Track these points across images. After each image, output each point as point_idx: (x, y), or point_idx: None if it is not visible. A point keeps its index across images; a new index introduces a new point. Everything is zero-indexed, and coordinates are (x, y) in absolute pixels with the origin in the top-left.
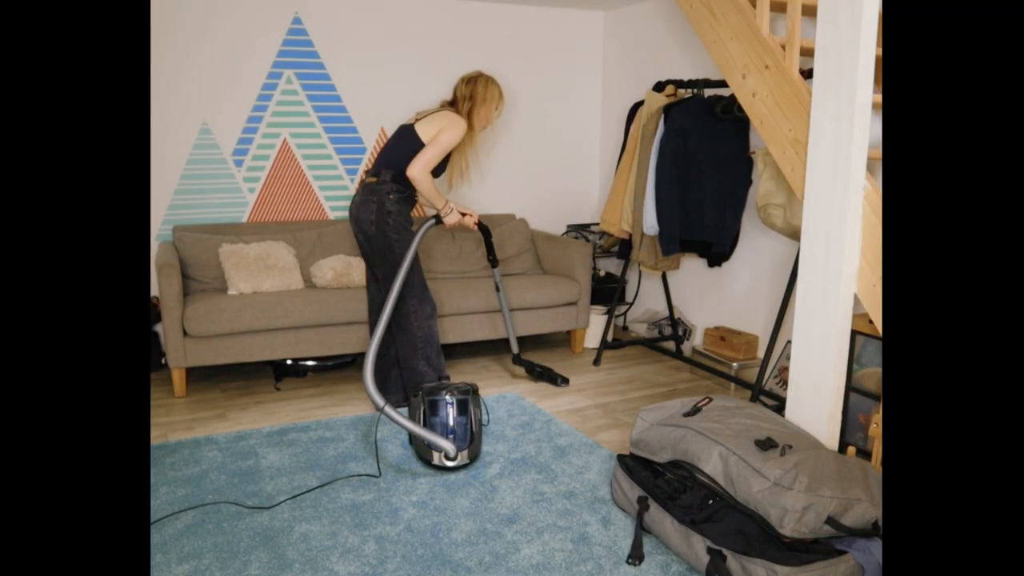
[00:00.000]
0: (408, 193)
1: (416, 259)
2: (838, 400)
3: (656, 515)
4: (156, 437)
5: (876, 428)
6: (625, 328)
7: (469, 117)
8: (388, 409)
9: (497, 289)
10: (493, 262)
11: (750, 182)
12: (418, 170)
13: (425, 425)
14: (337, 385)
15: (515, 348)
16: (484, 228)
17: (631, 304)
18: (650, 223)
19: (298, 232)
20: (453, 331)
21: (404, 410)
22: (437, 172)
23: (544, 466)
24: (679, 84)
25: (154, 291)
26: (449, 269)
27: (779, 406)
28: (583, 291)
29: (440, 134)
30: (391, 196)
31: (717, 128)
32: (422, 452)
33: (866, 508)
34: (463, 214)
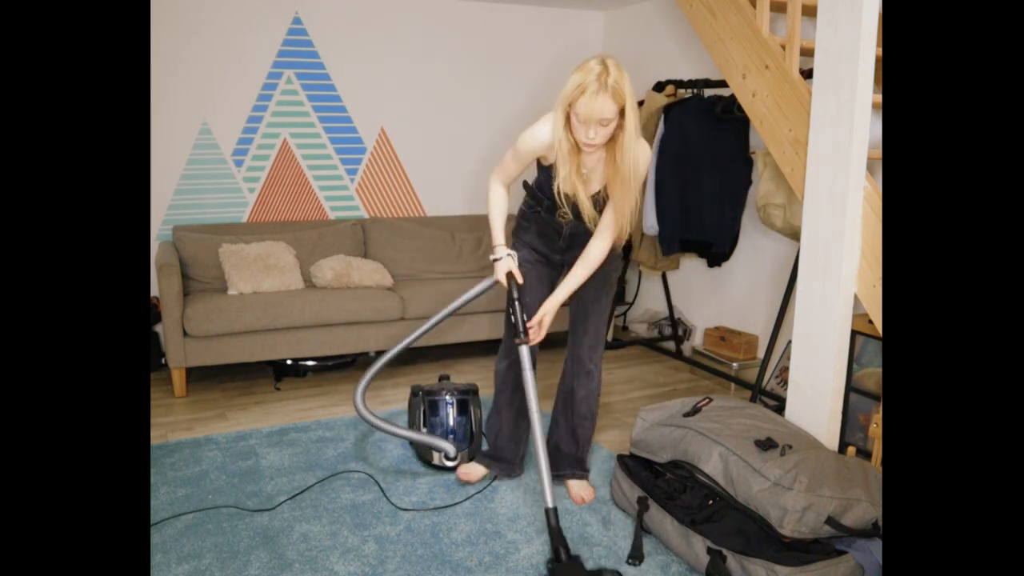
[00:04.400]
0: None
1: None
2: (838, 400)
3: (656, 515)
4: (156, 437)
5: (876, 428)
6: (625, 328)
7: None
8: (364, 412)
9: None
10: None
11: (750, 182)
12: None
13: (425, 425)
14: (337, 385)
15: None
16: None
17: (631, 304)
18: (650, 223)
19: (298, 232)
20: (453, 331)
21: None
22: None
23: None
24: (679, 84)
25: (154, 291)
26: (449, 269)
27: (779, 406)
28: None
29: None
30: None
31: (717, 128)
32: (422, 452)
33: (866, 508)
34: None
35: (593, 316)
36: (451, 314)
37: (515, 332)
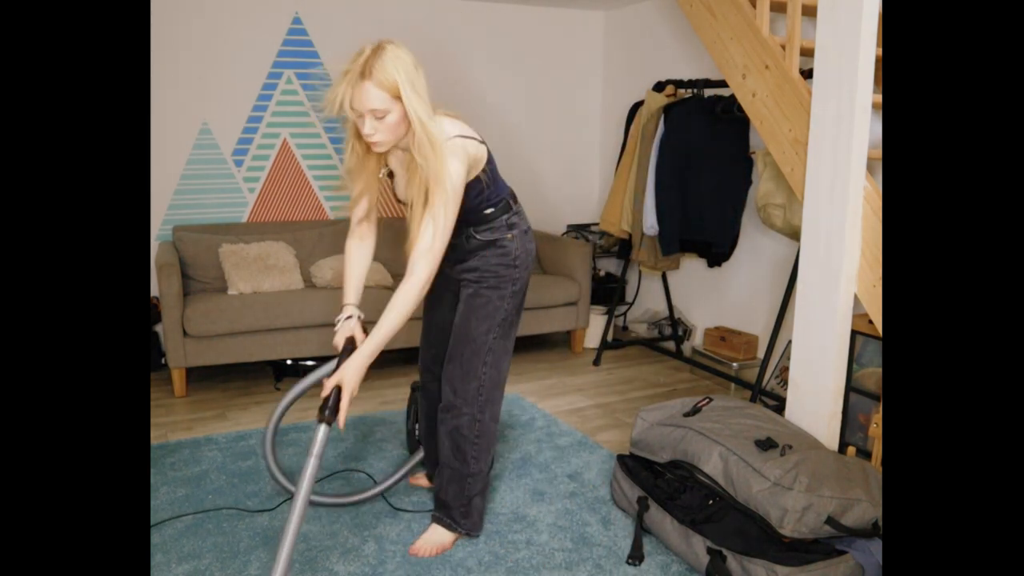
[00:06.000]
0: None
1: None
2: (838, 400)
3: (656, 515)
4: (156, 437)
5: (876, 428)
6: (625, 328)
7: None
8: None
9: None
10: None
11: (750, 182)
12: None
13: (419, 420)
14: None
15: None
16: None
17: (631, 304)
18: (650, 223)
19: (298, 232)
20: None
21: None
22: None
23: (544, 466)
24: (679, 84)
25: (154, 291)
26: None
27: (779, 406)
28: (583, 291)
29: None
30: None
31: (717, 128)
32: (411, 447)
33: (866, 508)
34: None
35: (460, 340)
36: (300, 396)
37: (322, 407)
